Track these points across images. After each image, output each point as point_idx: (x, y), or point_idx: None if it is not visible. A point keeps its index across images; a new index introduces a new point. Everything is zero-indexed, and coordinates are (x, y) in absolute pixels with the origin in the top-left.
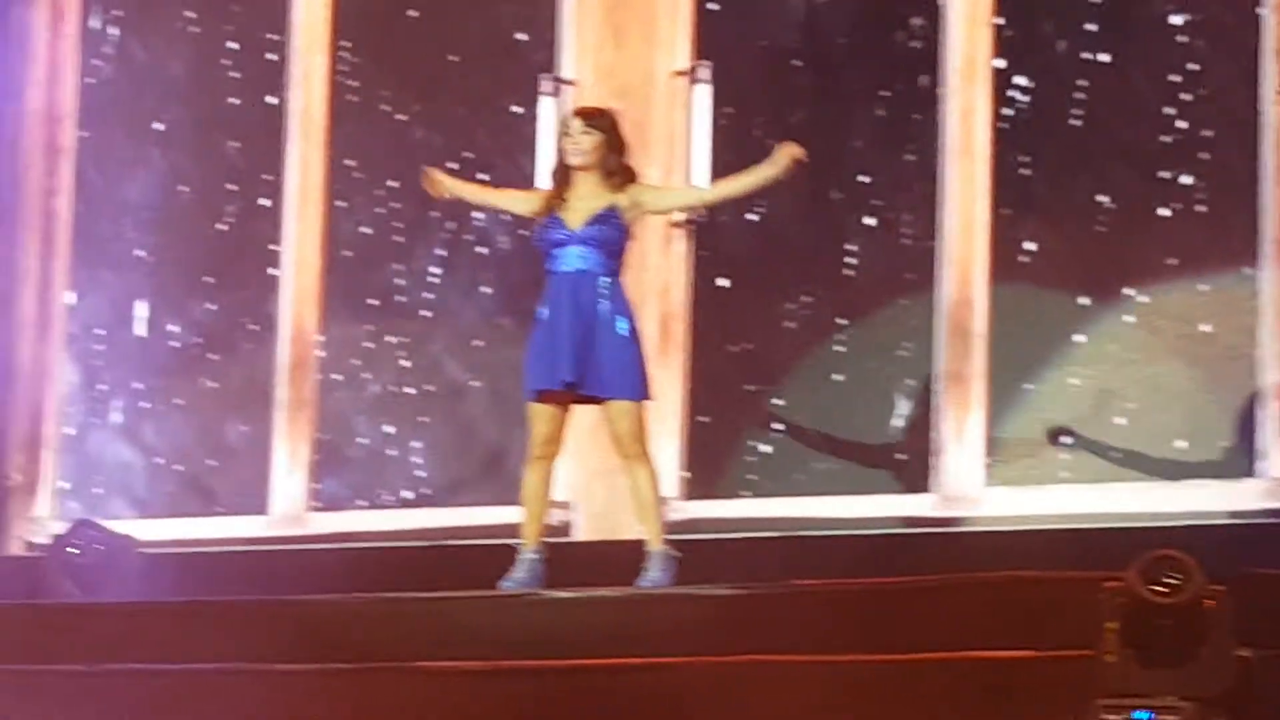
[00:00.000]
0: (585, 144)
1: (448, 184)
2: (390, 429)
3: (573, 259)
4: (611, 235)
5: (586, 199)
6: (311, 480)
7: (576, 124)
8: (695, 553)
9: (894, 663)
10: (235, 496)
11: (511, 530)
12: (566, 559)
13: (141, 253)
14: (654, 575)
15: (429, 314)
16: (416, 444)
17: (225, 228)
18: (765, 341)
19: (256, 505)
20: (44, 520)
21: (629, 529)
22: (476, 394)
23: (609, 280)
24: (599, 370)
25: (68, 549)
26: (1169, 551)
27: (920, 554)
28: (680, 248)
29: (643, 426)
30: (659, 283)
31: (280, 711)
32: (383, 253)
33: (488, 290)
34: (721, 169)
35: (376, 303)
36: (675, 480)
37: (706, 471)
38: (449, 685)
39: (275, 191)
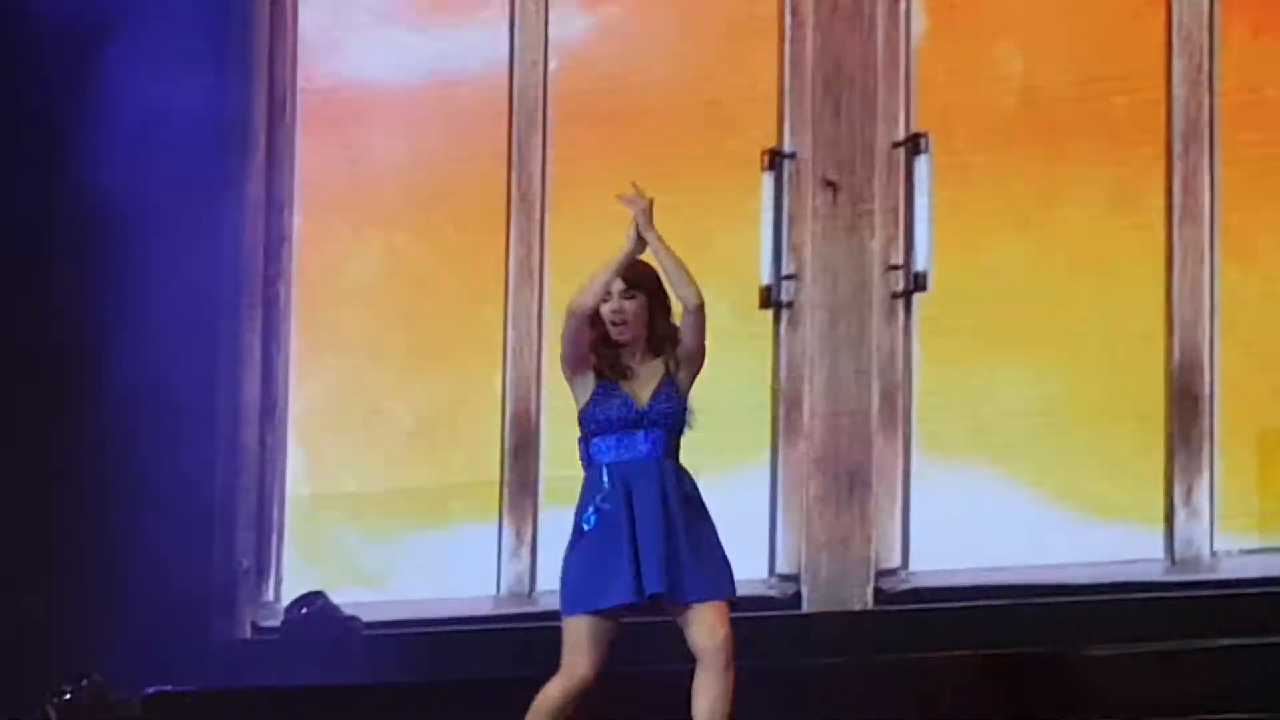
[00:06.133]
0: (628, 309)
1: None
2: None
3: (639, 443)
4: (676, 411)
5: (648, 369)
6: (538, 558)
7: (616, 285)
8: (923, 622)
9: None
10: (463, 575)
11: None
12: (796, 631)
13: (364, 336)
14: None
15: None
16: None
17: (446, 308)
18: (988, 407)
19: (484, 583)
20: (273, 604)
21: (857, 599)
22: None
23: (675, 462)
24: (690, 569)
25: (292, 619)
26: None
27: (1154, 618)
28: (901, 317)
29: (730, 628)
30: (882, 353)
31: None
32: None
33: None
34: (944, 240)
35: None
36: (898, 549)
37: (931, 540)
38: None
39: (496, 273)
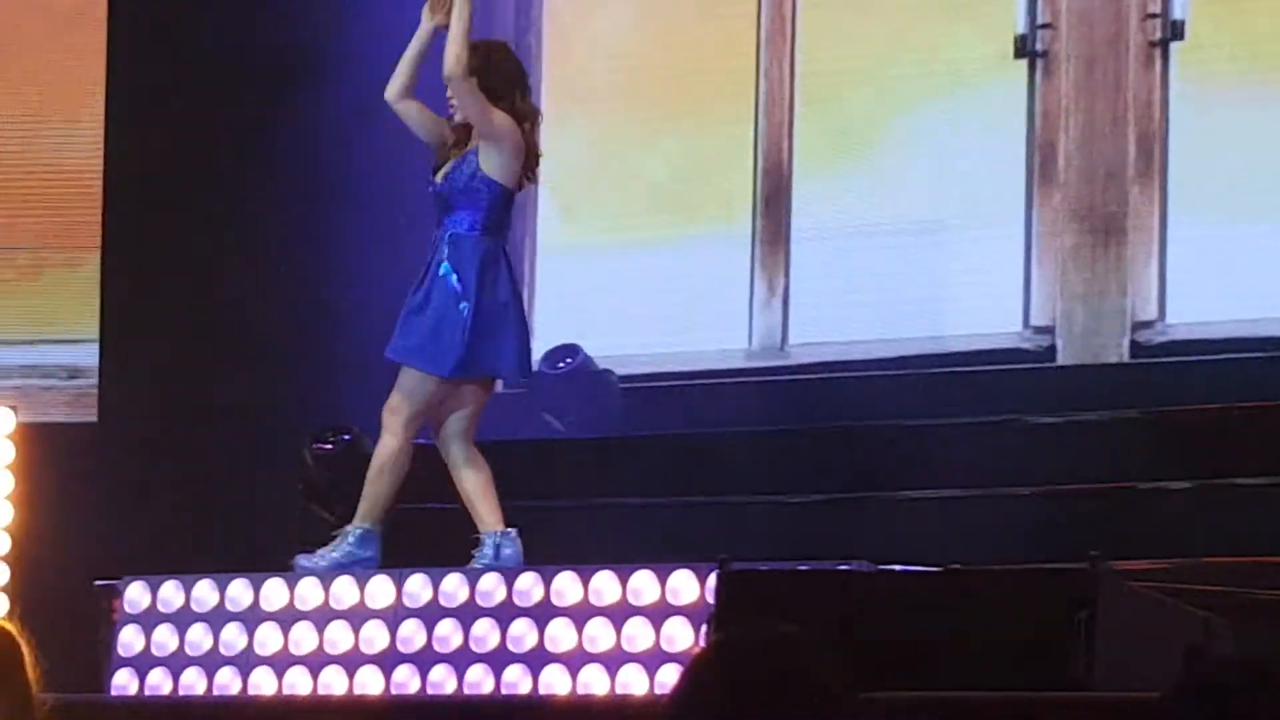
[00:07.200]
0: (457, 93)
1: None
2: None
3: (444, 222)
4: (465, 186)
5: (469, 148)
6: (789, 311)
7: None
8: (1179, 374)
9: None
10: (715, 328)
11: (971, 358)
12: (1050, 384)
13: (614, 88)
14: (346, 549)
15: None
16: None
17: (696, 60)
18: (1246, 155)
19: (735, 336)
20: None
21: (1113, 352)
22: (947, 230)
23: (462, 236)
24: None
25: (546, 373)
26: None
27: None
28: (1158, 65)
29: (415, 401)
30: (1138, 101)
31: (775, 539)
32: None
33: None
34: None
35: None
36: (1154, 301)
37: (1188, 291)
38: (924, 514)
39: (747, 23)
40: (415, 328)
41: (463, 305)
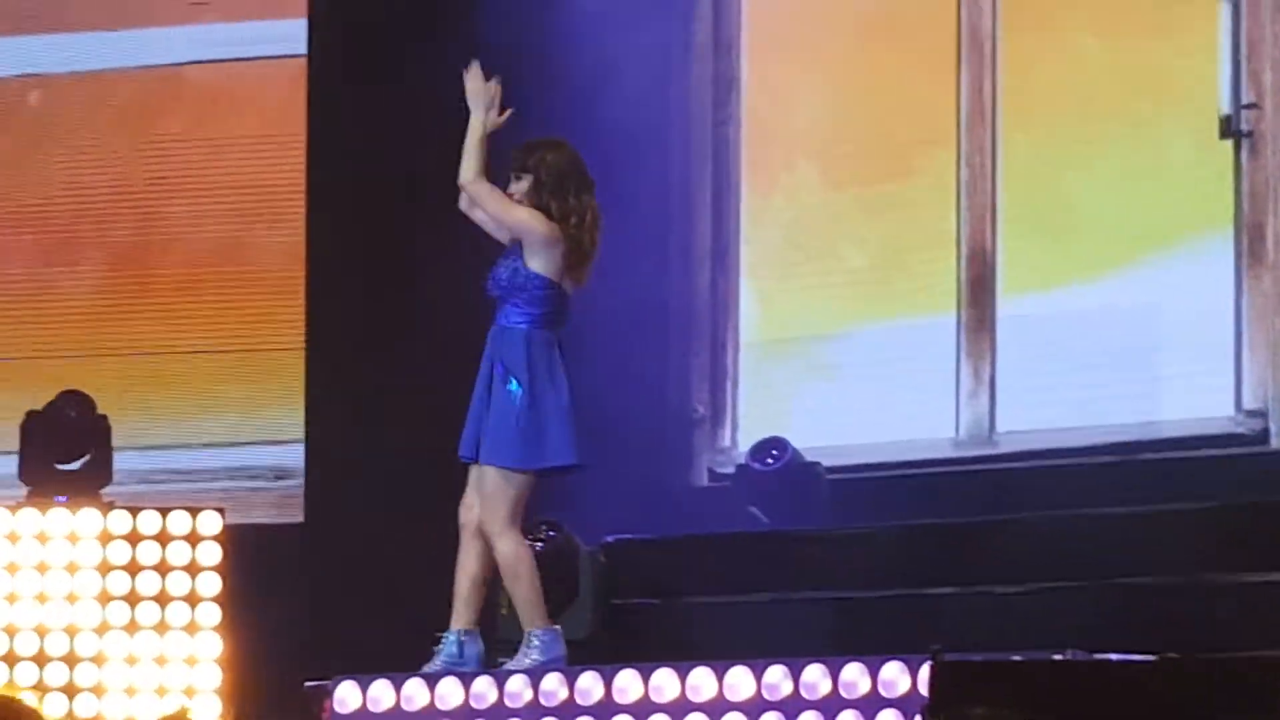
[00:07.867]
0: (516, 190)
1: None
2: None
3: (499, 314)
4: (509, 282)
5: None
6: (997, 399)
7: (514, 164)
8: None
9: None
10: (922, 417)
11: (1183, 444)
12: (1265, 468)
13: (813, 177)
14: (534, 656)
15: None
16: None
17: (897, 147)
18: None
19: (943, 425)
20: (730, 451)
21: None
22: (1156, 313)
23: (513, 331)
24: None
25: (750, 466)
26: None
27: None
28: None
29: (504, 499)
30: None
31: (986, 631)
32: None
33: None
34: None
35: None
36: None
37: None
38: (1138, 602)
39: (947, 109)
40: (486, 426)
41: (521, 398)
